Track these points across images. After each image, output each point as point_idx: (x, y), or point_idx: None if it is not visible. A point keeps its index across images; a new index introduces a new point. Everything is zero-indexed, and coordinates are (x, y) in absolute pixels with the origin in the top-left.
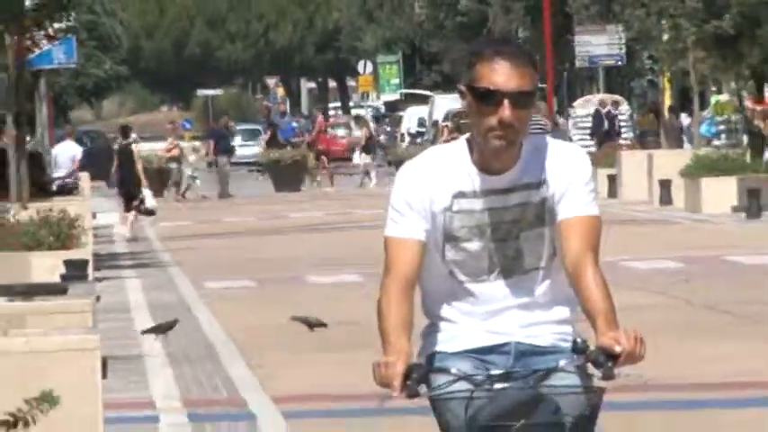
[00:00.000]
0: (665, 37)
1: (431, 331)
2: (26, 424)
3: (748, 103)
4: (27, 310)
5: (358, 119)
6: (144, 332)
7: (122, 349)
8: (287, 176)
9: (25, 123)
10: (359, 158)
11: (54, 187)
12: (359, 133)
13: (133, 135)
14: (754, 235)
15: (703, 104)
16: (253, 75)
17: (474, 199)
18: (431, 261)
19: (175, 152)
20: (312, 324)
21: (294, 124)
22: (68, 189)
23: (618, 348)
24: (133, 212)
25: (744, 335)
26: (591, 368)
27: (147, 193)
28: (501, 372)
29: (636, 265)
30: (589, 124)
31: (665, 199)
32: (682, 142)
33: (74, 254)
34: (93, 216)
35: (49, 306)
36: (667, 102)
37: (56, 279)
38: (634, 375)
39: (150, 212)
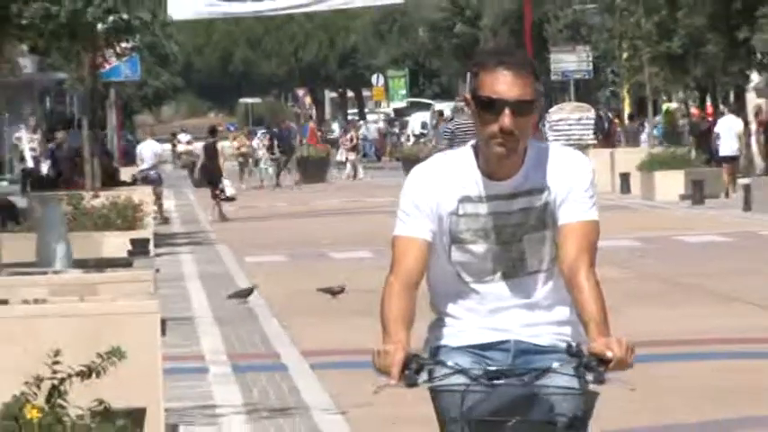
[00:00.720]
0: (625, 56)
1: (436, 325)
2: (98, 374)
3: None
4: (99, 280)
5: (348, 122)
6: (229, 296)
7: (178, 312)
8: (314, 170)
9: (98, 126)
10: (342, 155)
11: (140, 178)
12: (348, 135)
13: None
14: (698, 219)
15: (656, 111)
16: (285, 86)
17: (479, 203)
18: (438, 261)
19: (244, 149)
20: (335, 292)
21: (335, 125)
22: (151, 179)
23: (609, 354)
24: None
25: (688, 301)
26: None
27: (226, 182)
28: (497, 368)
29: (601, 244)
30: (561, 127)
31: (625, 189)
32: (639, 142)
33: (138, 234)
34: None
35: (117, 276)
36: (627, 109)
37: (123, 254)
38: (622, 384)
39: (230, 199)
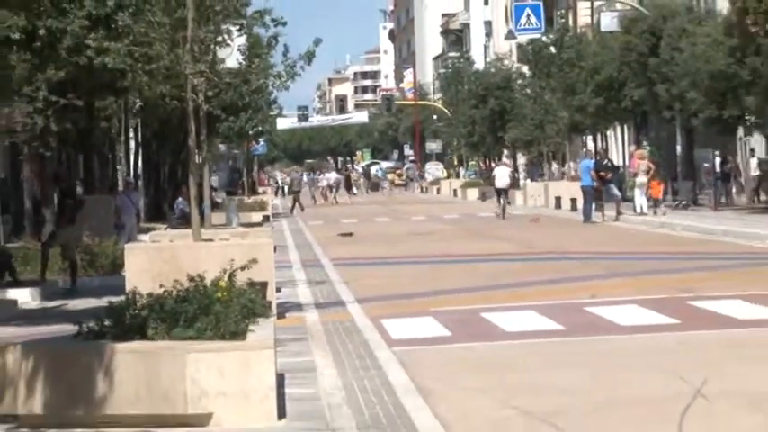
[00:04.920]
0: (455, 143)
1: None
2: (248, 268)
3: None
4: (250, 231)
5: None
6: (339, 234)
7: (280, 243)
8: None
9: (249, 170)
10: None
11: (325, 186)
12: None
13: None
14: (484, 206)
15: (468, 164)
16: (323, 155)
17: None
18: None
19: (354, 176)
20: (344, 234)
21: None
22: (331, 186)
23: None
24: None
25: (474, 239)
26: None
27: (355, 191)
28: None
29: (448, 216)
30: (431, 170)
31: (455, 195)
32: (460, 177)
33: (265, 213)
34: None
35: (257, 230)
36: (456, 163)
37: (259, 220)
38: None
39: (354, 195)
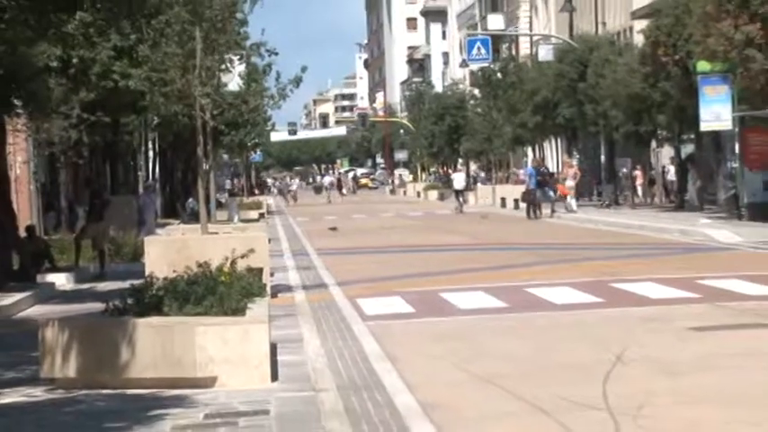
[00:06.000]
0: (418, 154)
1: None
2: (247, 257)
3: (440, 171)
4: (249, 226)
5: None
6: (329, 228)
7: (274, 236)
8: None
9: (248, 177)
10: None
11: (316, 186)
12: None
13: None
14: (442, 204)
15: (429, 170)
16: (309, 162)
17: None
18: None
19: (343, 178)
20: (333, 228)
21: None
22: (325, 187)
23: None
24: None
25: (433, 232)
26: None
27: (344, 190)
28: None
29: (412, 213)
30: (404, 175)
31: (419, 196)
32: (421, 181)
33: (261, 210)
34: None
35: (254, 224)
36: (419, 169)
37: (255, 217)
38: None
39: (344, 195)
